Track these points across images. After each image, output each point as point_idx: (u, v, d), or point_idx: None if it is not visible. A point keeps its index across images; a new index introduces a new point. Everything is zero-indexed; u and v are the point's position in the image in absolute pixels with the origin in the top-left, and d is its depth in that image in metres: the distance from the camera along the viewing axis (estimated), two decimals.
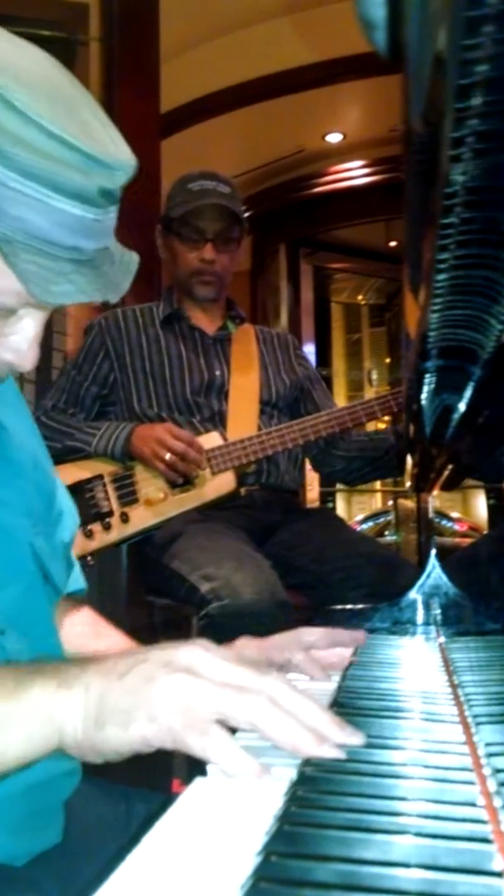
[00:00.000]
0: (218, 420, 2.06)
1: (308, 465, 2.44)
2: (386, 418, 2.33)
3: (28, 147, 0.67)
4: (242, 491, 2.04)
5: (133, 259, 0.79)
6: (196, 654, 0.61)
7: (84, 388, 2.14)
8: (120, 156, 0.73)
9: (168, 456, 1.92)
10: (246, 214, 2.41)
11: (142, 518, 1.99)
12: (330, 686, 0.84)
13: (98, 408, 2.15)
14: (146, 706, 0.58)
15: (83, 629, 1.01)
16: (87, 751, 0.60)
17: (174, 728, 0.57)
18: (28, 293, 0.70)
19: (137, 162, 0.75)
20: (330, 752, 0.57)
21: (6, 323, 0.75)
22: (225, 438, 2.02)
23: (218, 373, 2.11)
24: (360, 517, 6.77)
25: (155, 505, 1.99)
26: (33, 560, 0.85)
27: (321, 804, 0.49)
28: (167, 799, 0.55)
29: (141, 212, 3.55)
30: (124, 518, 1.98)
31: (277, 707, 0.58)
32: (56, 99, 0.70)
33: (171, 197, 2.16)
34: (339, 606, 1.37)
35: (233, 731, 0.59)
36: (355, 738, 0.59)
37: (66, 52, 3.73)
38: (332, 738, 0.58)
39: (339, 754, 0.57)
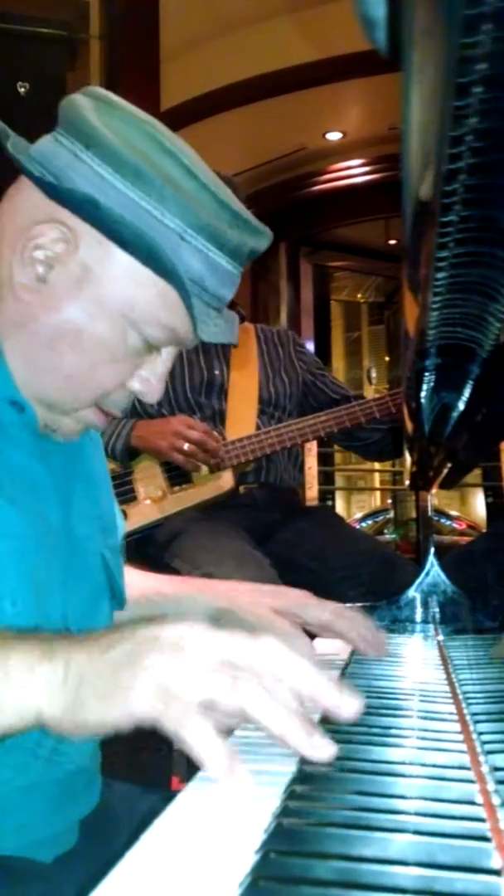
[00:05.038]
0: (217, 419, 2.06)
1: (308, 464, 2.44)
2: None
3: (196, 203, 0.78)
4: (241, 489, 2.04)
5: (234, 315, 0.88)
6: (183, 630, 0.58)
7: None
8: (261, 224, 0.84)
9: (187, 446, 1.92)
10: None
11: (140, 515, 1.99)
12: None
13: None
14: (126, 685, 0.55)
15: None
16: (67, 726, 0.58)
17: (154, 709, 0.54)
18: (192, 332, 0.80)
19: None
20: (318, 752, 0.53)
21: (146, 358, 0.83)
22: (223, 437, 2.02)
23: (217, 372, 2.10)
24: (359, 515, 6.77)
25: (154, 503, 1.99)
26: (103, 571, 0.87)
27: (320, 802, 0.49)
28: (166, 797, 0.55)
29: None
30: (123, 515, 1.98)
31: (268, 687, 0.55)
32: (208, 171, 0.81)
33: None
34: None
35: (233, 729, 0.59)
36: (354, 703, 0.57)
37: (66, 50, 3.73)
38: (331, 706, 0.56)
39: (324, 756, 0.53)
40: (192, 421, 1.95)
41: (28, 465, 0.80)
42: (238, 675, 0.55)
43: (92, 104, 0.79)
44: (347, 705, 0.56)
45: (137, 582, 1.05)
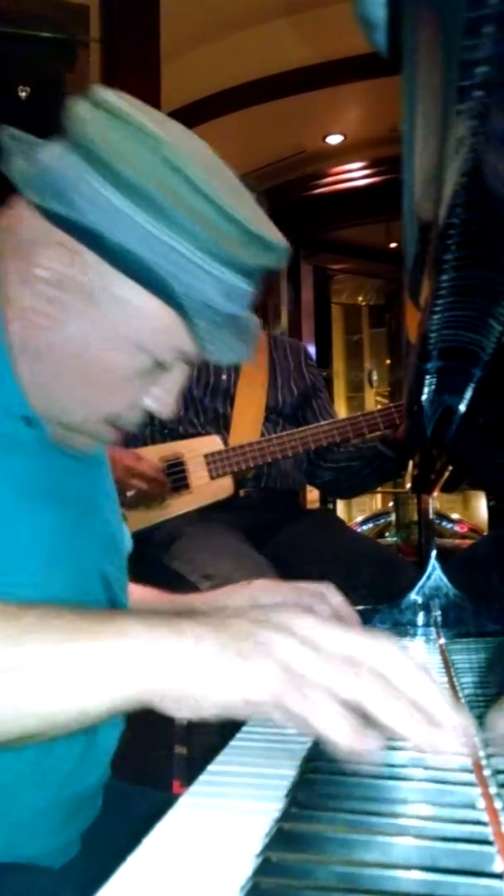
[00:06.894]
0: (221, 424, 2.06)
1: None
2: None
3: (205, 223, 0.75)
4: (242, 493, 2.04)
5: (256, 322, 0.85)
6: (302, 621, 0.57)
7: None
8: (278, 238, 0.80)
9: (135, 481, 1.94)
10: None
11: (138, 519, 2.00)
12: None
13: None
14: (252, 665, 0.53)
15: None
16: (175, 704, 0.54)
17: (278, 691, 0.52)
18: (189, 350, 0.79)
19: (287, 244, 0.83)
20: (443, 741, 0.51)
21: (156, 376, 0.82)
22: (226, 443, 2.02)
23: (224, 377, 2.10)
24: (360, 518, 6.76)
25: (151, 507, 1.99)
26: (102, 587, 0.86)
27: (321, 806, 0.49)
28: (168, 800, 0.55)
29: None
30: (122, 520, 1.99)
31: (390, 686, 0.53)
32: (223, 179, 0.78)
33: None
34: None
35: (240, 724, 0.58)
36: (463, 722, 0.52)
37: (66, 53, 3.73)
38: (444, 721, 0.52)
39: (452, 745, 0.50)
40: (140, 457, 1.95)
41: (38, 478, 0.79)
42: (359, 671, 0.53)
43: (97, 117, 0.76)
44: (457, 725, 0.52)
45: (137, 593, 1.05)
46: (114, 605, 0.87)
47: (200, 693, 0.54)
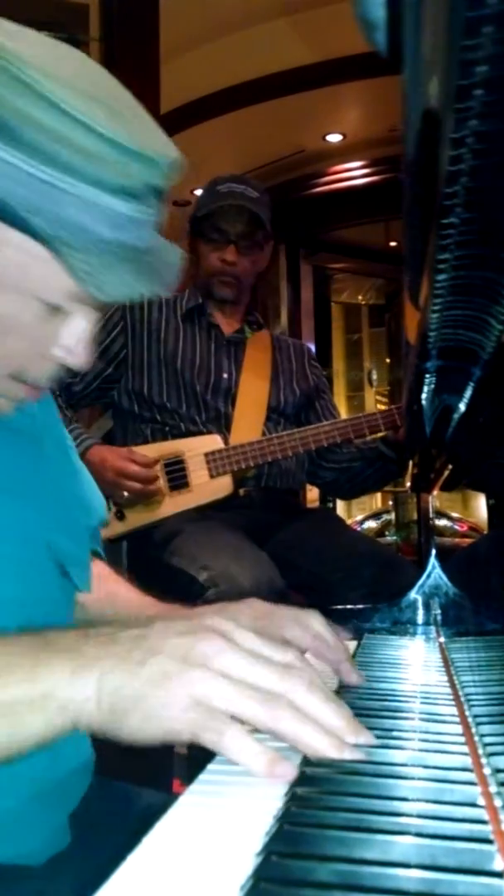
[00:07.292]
0: (222, 422, 2.06)
1: None
2: None
3: (70, 144, 0.67)
4: (241, 492, 2.04)
5: (178, 253, 0.79)
6: (214, 647, 0.59)
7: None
8: (162, 149, 0.72)
9: (125, 495, 1.96)
10: None
11: (137, 517, 2.00)
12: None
13: (98, 384, 2.13)
14: (163, 702, 0.56)
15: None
16: (106, 735, 0.59)
17: (192, 725, 0.56)
18: (81, 290, 0.70)
19: (179, 155, 0.73)
20: (350, 755, 0.56)
21: (58, 323, 0.75)
22: (227, 441, 2.02)
23: (226, 375, 2.10)
24: (359, 517, 6.77)
25: (151, 505, 1.99)
26: (48, 557, 0.83)
27: (321, 804, 0.49)
28: (167, 799, 0.55)
29: None
30: (119, 515, 1.99)
31: (300, 711, 0.58)
32: (94, 96, 0.69)
33: (199, 198, 2.17)
34: (339, 606, 1.37)
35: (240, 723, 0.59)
36: (366, 738, 0.59)
37: None
38: (351, 740, 0.58)
39: (358, 755, 0.57)
40: (132, 468, 1.96)
41: None
42: (270, 696, 0.57)
43: None
44: (353, 737, 0.58)
45: (123, 593, 1.04)
46: (65, 575, 0.85)
47: (115, 731, 0.58)
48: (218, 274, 2.12)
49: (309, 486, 2.53)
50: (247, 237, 2.10)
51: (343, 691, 0.79)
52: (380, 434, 2.08)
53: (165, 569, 1.84)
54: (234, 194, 2.08)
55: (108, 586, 1.03)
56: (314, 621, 0.86)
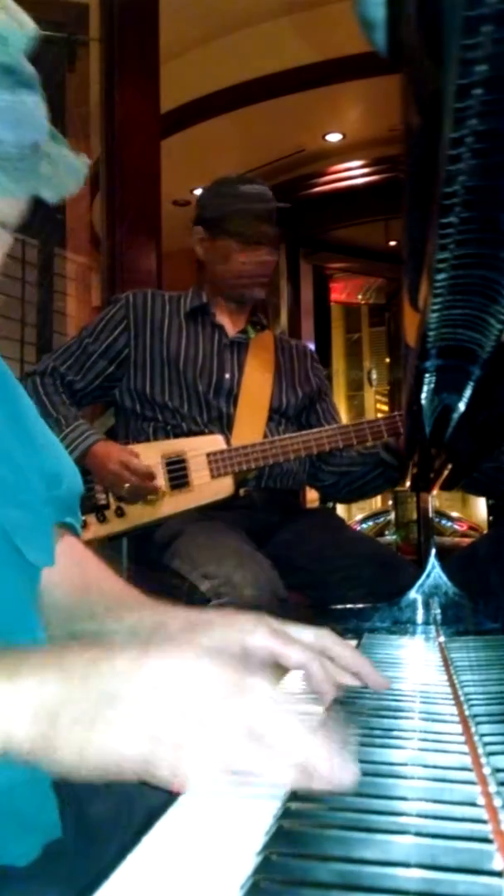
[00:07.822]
0: (224, 422, 2.06)
1: None
2: None
3: None
4: (242, 492, 2.04)
5: (81, 162, 0.71)
6: (167, 675, 0.52)
7: (93, 359, 2.12)
8: (10, 25, 0.62)
9: (126, 486, 1.96)
10: None
11: (137, 514, 2.00)
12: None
13: (100, 382, 2.13)
14: (108, 721, 0.50)
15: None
16: (40, 761, 0.51)
17: (142, 752, 0.50)
18: None
19: (37, 31, 0.64)
20: (318, 785, 0.49)
21: None
22: (228, 442, 2.02)
23: (228, 376, 2.10)
24: (359, 517, 6.77)
25: (151, 503, 1.99)
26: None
27: (320, 804, 0.49)
28: (168, 799, 0.55)
29: (143, 210, 3.55)
30: (119, 513, 1.99)
31: (257, 740, 0.50)
32: None
33: (216, 198, 2.15)
34: (339, 606, 1.37)
35: None
36: (347, 772, 0.50)
37: (66, 52, 3.73)
38: (318, 772, 0.50)
39: (327, 787, 0.49)
40: (134, 463, 1.97)
41: None
42: (224, 729, 0.51)
43: None
44: (339, 775, 0.50)
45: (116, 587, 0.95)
46: (17, 552, 0.77)
47: (50, 753, 0.50)
48: (254, 275, 2.12)
49: (309, 487, 2.53)
50: (276, 239, 2.13)
51: (343, 691, 0.79)
52: (381, 440, 2.08)
53: (166, 571, 1.84)
54: (261, 196, 2.09)
55: (87, 573, 0.94)
56: (328, 640, 0.80)
